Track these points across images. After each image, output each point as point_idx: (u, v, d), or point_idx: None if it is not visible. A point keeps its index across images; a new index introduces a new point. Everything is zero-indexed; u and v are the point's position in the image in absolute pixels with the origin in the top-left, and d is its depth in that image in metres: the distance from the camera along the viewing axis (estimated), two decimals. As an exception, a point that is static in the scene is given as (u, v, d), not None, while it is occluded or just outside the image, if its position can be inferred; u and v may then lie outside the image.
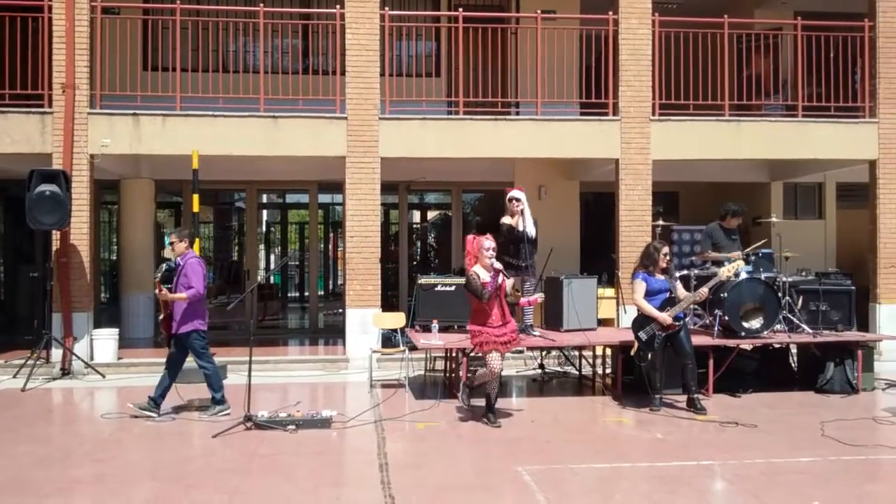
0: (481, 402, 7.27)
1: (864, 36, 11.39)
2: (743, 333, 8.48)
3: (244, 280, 14.26)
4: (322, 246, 18.52)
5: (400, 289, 14.13)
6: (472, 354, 7.73)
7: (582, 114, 11.43)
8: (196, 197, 9.99)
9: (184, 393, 7.85)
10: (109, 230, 15.01)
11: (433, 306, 9.27)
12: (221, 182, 13.41)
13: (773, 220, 9.90)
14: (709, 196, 13.92)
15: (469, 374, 7.76)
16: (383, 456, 6.08)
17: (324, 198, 15.53)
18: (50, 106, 10.15)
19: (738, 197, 10.96)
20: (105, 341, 10.24)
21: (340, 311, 12.51)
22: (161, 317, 7.53)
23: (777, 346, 9.08)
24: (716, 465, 5.88)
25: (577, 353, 9.70)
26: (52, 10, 10.08)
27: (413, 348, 8.96)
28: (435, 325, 8.80)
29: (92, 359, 10.09)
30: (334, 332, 12.99)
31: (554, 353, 10.00)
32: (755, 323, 8.50)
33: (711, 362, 8.32)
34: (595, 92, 11.12)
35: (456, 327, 9.22)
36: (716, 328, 8.50)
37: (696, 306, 8.71)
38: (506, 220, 8.70)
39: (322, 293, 17.87)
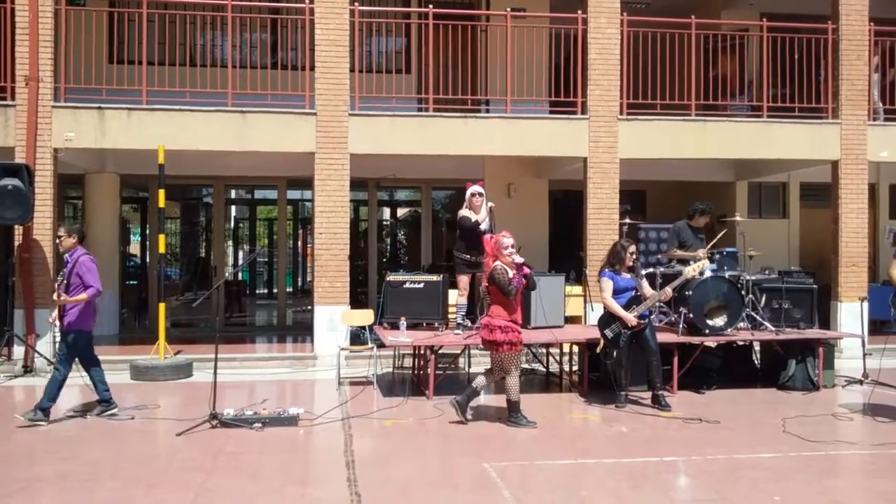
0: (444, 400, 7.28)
1: (828, 38, 11.58)
2: (707, 331, 8.59)
3: (211, 276, 14.15)
4: (291, 242, 18.43)
5: (369, 286, 14.11)
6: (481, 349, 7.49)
7: (551, 112, 11.49)
8: (162, 192, 9.88)
9: (144, 391, 7.77)
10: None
11: (402, 303, 9.26)
12: (189, 177, 13.29)
13: (738, 218, 10.03)
14: (675, 195, 14.07)
15: (484, 378, 7.21)
16: (350, 453, 6.07)
17: (293, 194, 15.45)
18: (13, 99, 9.98)
19: (703, 196, 11.09)
20: (68, 338, 10.07)
21: (309, 308, 12.45)
22: (53, 315, 7.24)
23: (740, 343, 9.22)
24: (679, 460, 5.96)
25: (544, 350, 9.76)
26: (15, 1, 9.90)
27: (381, 346, 8.96)
28: (403, 322, 8.79)
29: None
30: (303, 330, 12.93)
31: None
32: (719, 321, 8.62)
33: (676, 359, 8.42)
34: (564, 90, 11.19)
35: (424, 324, 9.24)
36: (681, 326, 8.60)
37: (661, 304, 8.80)
38: (464, 212, 8.77)
39: (291, 290, 17.81)
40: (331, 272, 10.45)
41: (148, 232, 14.09)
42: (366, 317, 9.75)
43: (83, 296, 7.04)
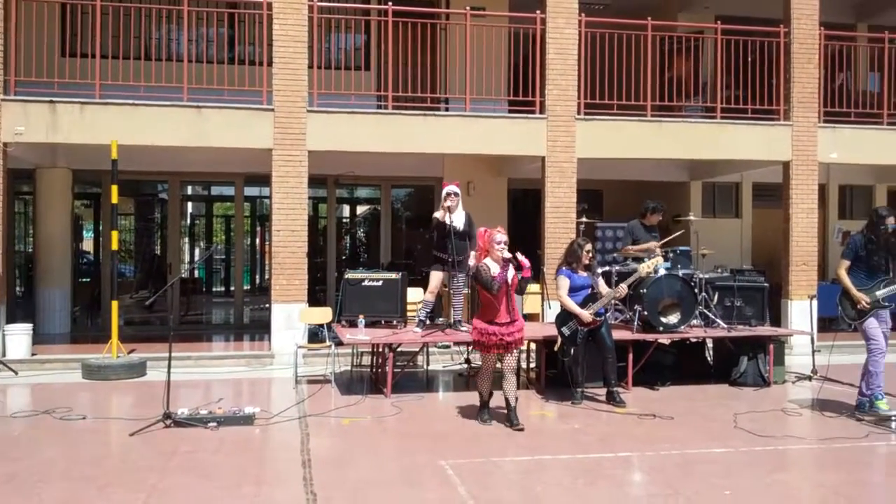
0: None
1: (780, 42, 11.83)
2: (661, 328, 8.72)
3: (167, 274, 13.93)
4: (249, 240, 18.22)
5: (328, 284, 14.03)
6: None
7: (510, 111, 11.56)
8: (115, 188, 9.71)
9: (97, 390, 7.64)
10: (25, 222, 14.44)
11: (360, 301, 9.22)
12: (143, 173, 13.05)
13: (692, 218, 10.20)
14: (632, 194, 14.24)
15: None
16: (307, 452, 6.04)
17: (251, 191, 15.28)
18: (-41, 91, 9.73)
19: (659, 195, 11.25)
20: (18, 337, 9.87)
21: (267, 306, 12.34)
22: None
23: (694, 340, 9.38)
24: (633, 456, 6.04)
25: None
26: (-38, -9, 9.65)
27: (340, 344, 8.92)
28: (361, 320, 8.76)
29: (4, 355, 9.72)
30: (260, 328, 12.81)
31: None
32: (673, 318, 8.75)
33: (631, 356, 8.54)
34: (523, 90, 11.25)
35: (383, 322, 9.22)
36: (636, 323, 8.72)
37: (617, 301, 8.91)
38: (437, 213, 8.73)
39: (248, 287, 17.62)
40: (289, 270, 10.37)
41: (101, 228, 13.83)
42: (324, 315, 9.69)
43: None
